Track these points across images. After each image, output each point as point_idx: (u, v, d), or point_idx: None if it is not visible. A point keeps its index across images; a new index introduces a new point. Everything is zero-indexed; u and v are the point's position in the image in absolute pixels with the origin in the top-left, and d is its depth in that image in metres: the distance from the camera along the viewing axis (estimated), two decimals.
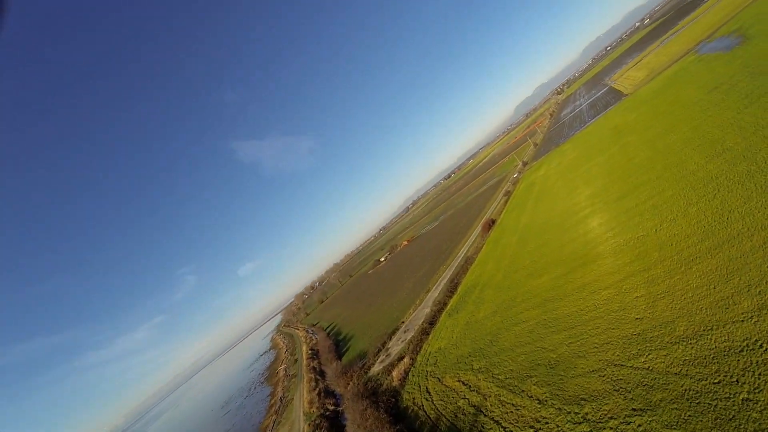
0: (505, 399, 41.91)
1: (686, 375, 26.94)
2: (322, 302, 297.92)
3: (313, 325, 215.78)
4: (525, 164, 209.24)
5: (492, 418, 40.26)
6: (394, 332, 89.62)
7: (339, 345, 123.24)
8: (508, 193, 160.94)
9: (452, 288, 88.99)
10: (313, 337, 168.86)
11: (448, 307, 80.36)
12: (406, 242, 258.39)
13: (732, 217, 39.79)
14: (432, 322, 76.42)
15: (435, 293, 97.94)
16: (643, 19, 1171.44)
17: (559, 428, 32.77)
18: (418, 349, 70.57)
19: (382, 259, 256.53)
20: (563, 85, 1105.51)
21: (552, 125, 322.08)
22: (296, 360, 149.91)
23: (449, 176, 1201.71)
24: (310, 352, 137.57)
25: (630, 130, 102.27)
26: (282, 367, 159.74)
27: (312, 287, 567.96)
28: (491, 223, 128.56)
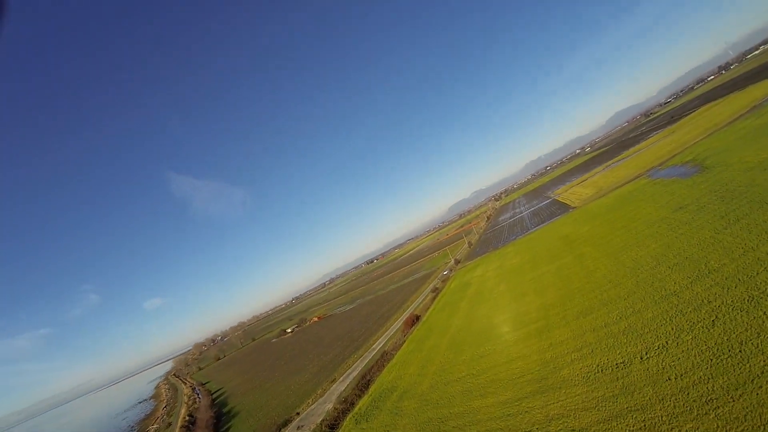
0: None
1: None
2: (219, 359, 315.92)
3: (202, 384, 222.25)
4: (458, 262, 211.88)
5: None
6: (284, 425, 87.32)
7: (220, 421, 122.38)
8: (436, 290, 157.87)
9: (363, 385, 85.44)
10: (197, 400, 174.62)
11: (356, 409, 75.12)
12: (317, 318, 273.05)
13: (747, 350, 35.62)
14: (333, 425, 71.01)
15: (341, 386, 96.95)
16: (584, 147, 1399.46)
17: None
18: None
19: (289, 330, 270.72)
20: (501, 193, 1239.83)
21: (489, 227, 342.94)
22: (170, 424, 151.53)
23: (372, 261, 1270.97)
24: (186, 419, 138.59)
25: (584, 240, 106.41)
26: (153, 428, 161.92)
27: (213, 340, 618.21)
28: (415, 319, 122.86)
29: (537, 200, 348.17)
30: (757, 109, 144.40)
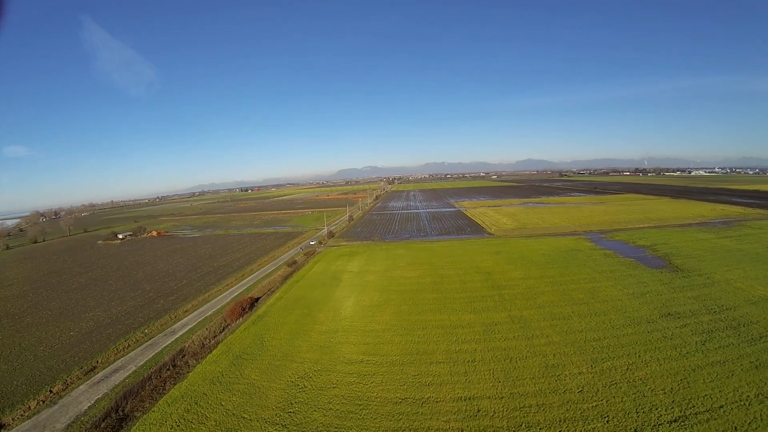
0: None
1: None
2: (34, 242, 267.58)
3: None
4: (331, 235, 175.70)
5: None
6: None
7: None
8: (294, 265, 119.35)
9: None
10: None
11: None
12: (155, 233, 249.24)
13: None
14: None
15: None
16: (490, 173, 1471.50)
17: None
18: None
19: (121, 236, 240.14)
20: (395, 178, 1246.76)
21: (377, 208, 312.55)
22: None
23: (247, 190, 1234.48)
24: None
25: (521, 294, 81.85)
26: None
27: (56, 213, 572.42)
28: (248, 306, 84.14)
29: (437, 203, 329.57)
30: (710, 225, 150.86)
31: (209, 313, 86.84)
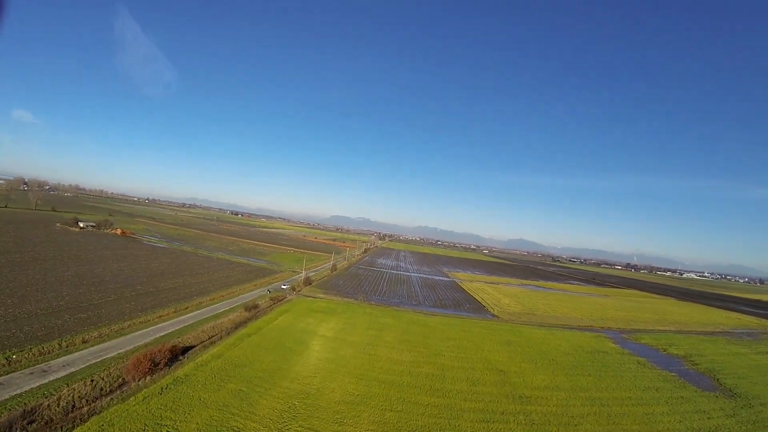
0: None
1: None
2: None
3: None
4: (308, 283, 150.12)
5: None
6: None
7: None
8: (252, 310, 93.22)
9: None
10: None
11: None
12: (119, 231, 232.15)
13: None
14: None
15: None
16: (480, 246, 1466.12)
17: None
18: None
19: (82, 225, 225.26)
20: (386, 235, 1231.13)
21: (364, 261, 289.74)
22: None
23: (237, 214, 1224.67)
24: None
25: (552, 414, 52.73)
26: None
27: (42, 185, 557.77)
28: (170, 357, 57.99)
29: (429, 269, 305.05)
30: (735, 336, 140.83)
31: (112, 354, 60.93)
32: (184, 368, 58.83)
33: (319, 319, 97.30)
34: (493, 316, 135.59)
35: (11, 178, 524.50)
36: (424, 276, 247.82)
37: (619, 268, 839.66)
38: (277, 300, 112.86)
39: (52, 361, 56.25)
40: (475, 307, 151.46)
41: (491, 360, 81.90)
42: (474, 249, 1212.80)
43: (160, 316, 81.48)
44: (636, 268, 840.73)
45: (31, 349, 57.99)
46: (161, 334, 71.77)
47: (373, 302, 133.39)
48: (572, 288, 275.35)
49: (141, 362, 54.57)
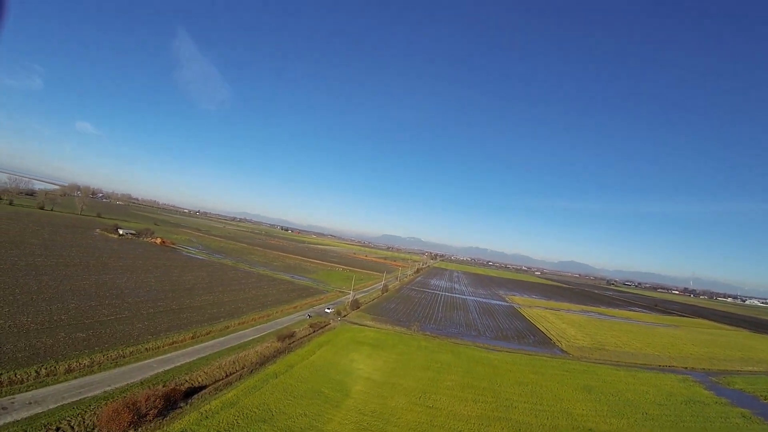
0: None
1: None
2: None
3: None
4: (356, 307, 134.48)
5: None
6: None
7: None
8: (287, 340, 77.87)
9: None
10: None
11: None
12: (160, 240, 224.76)
13: None
14: None
15: None
16: (532, 268, 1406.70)
17: None
18: None
19: (122, 232, 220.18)
20: (436, 255, 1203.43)
21: (416, 282, 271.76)
22: None
23: (288, 230, 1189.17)
24: None
25: None
26: None
27: (95, 193, 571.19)
28: (164, 404, 43.58)
29: (485, 291, 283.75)
30: None
31: (96, 391, 47.02)
32: (182, 421, 43.97)
33: (366, 355, 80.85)
34: (562, 351, 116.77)
35: (66, 184, 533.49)
36: (481, 300, 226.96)
37: (677, 292, 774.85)
38: (318, 327, 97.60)
39: (18, 395, 43.29)
40: (540, 339, 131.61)
41: (574, 414, 64.24)
42: (525, 270, 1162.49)
43: (173, 343, 67.55)
44: (695, 293, 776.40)
45: (0, 375, 45.41)
46: (167, 368, 57.29)
47: (428, 332, 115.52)
48: (636, 316, 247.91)
49: (119, 413, 40.07)
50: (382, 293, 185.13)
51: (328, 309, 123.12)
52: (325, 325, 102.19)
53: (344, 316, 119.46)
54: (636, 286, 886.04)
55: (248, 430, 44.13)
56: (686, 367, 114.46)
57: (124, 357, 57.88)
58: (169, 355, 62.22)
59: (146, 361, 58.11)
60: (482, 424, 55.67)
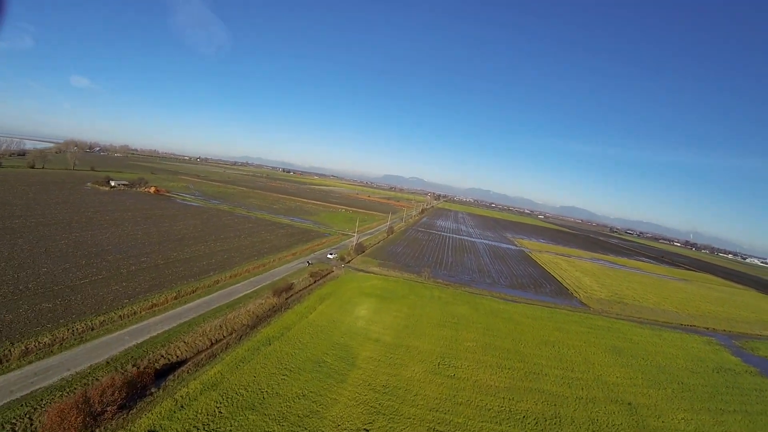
0: None
1: None
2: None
3: None
4: (360, 251, 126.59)
5: None
6: None
7: None
8: (284, 294, 69.65)
9: None
10: None
11: None
12: (154, 189, 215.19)
13: None
14: None
15: None
16: (534, 212, 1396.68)
17: None
18: None
19: (114, 184, 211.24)
20: (439, 195, 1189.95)
21: (422, 223, 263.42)
22: None
23: (289, 171, 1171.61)
24: None
25: None
26: None
27: (91, 147, 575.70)
28: (128, 392, 34.25)
29: (492, 235, 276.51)
30: None
31: (53, 379, 38.88)
32: (152, 413, 35.78)
33: (374, 309, 72.60)
34: (581, 303, 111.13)
35: (62, 141, 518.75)
36: (490, 243, 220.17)
37: (678, 245, 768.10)
38: (319, 276, 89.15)
39: None
40: (556, 289, 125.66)
41: (608, 382, 58.12)
42: (528, 213, 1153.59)
43: (153, 306, 58.81)
44: (696, 246, 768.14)
45: None
46: (141, 339, 48.78)
47: (440, 280, 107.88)
48: (646, 267, 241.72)
49: (66, 416, 31.49)
50: (388, 235, 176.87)
51: (331, 254, 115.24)
52: (327, 274, 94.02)
53: (348, 261, 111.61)
54: (638, 235, 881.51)
55: (232, 421, 35.99)
56: (707, 328, 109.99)
57: (92, 329, 49.33)
58: (146, 322, 53.62)
59: (118, 333, 49.57)
60: (512, 398, 48.07)
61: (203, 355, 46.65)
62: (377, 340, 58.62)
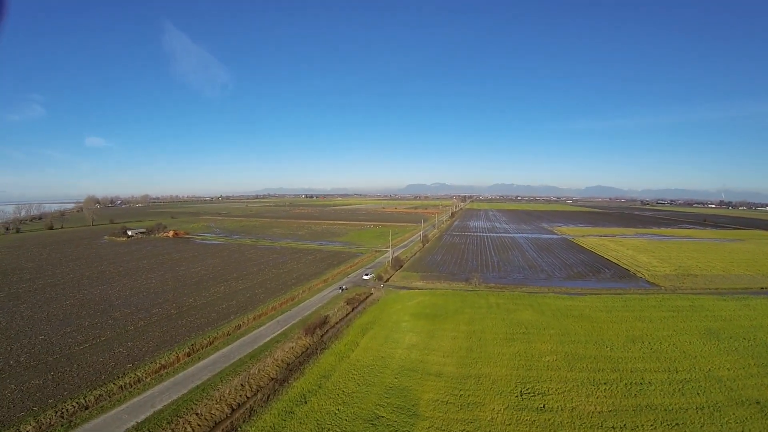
0: None
1: None
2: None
3: None
4: (398, 266, 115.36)
5: None
6: None
7: None
8: (318, 331, 58.45)
9: None
10: None
11: None
12: (173, 233, 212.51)
13: None
14: None
15: None
16: (562, 198, 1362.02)
17: None
18: None
19: (131, 233, 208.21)
20: (465, 197, 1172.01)
21: (454, 227, 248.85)
22: None
23: (312, 197, 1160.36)
24: None
25: None
26: None
27: (112, 201, 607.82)
28: None
29: (529, 227, 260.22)
30: None
31: None
32: None
33: (427, 333, 60.61)
34: (649, 284, 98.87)
35: (82, 201, 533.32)
36: (530, 236, 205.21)
37: (713, 206, 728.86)
38: (356, 302, 77.91)
39: None
40: (616, 272, 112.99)
41: (720, 378, 46.73)
42: (556, 200, 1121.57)
43: (160, 369, 48.43)
44: (732, 205, 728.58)
45: None
46: (142, 417, 37.76)
47: (491, 283, 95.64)
48: (694, 233, 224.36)
49: None
50: (423, 245, 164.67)
51: (367, 275, 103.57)
52: (366, 298, 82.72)
53: (387, 280, 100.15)
54: (670, 204, 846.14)
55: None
56: None
57: (86, 408, 39.22)
58: (150, 391, 43.03)
59: (115, 410, 39.04)
60: (624, 425, 36.13)
61: (221, 430, 35.88)
62: (439, 374, 46.63)
